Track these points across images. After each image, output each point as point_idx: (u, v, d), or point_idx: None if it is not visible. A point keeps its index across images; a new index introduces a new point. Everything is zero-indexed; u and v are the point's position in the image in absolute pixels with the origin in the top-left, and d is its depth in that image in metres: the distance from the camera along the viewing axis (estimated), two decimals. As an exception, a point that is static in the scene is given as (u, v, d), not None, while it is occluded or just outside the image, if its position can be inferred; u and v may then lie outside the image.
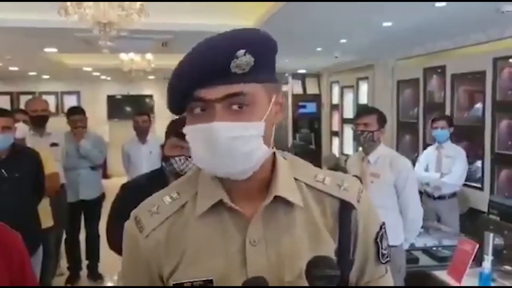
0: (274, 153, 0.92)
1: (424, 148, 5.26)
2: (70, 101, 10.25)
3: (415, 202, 2.99)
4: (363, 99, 7.50)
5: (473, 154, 4.75)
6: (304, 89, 9.71)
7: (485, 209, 3.28)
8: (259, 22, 4.52)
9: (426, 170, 4.47)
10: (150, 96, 11.65)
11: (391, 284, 0.98)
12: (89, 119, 4.69)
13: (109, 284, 4.63)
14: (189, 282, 0.86)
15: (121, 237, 0.95)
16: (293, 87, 9.69)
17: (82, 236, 4.71)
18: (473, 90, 5.11)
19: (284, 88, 9.87)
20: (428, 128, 5.53)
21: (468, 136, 4.99)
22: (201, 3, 4.23)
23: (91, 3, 3.57)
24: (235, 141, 0.81)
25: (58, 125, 4.92)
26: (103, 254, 4.55)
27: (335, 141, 8.86)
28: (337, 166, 7.83)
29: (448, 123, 4.38)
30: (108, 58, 7.11)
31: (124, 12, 3.63)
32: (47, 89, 10.98)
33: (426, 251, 3.37)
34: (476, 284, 2.55)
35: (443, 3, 3.63)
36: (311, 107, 9.57)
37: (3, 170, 2.79)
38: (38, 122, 4.06)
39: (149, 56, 6.78)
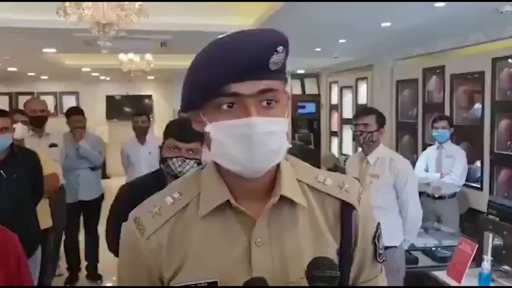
0: None
1: (424, 148, 5.26)
2: (69, 102, 10.25)
3: (415, 202, 2.99)
4: (362, 99, 7.50)
5: (472, 154, 4.75)
6: (303, 89, 9.70)
7: (484, 209, 3.27)
8: (258, 23, 4.51)
9: (426, 170, 4.47)
10: (149, 97, 11.65)
11: (386, 283, 0.99)
12: (88, 120, 4.69)
13: (108, 285, 4.62)
14: (193, 284, 0.85)
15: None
16: (292, 87, 9.68)
17: (81, 236, 4.71)
18: (472, 90, 5.12)
19: (283, 88, 9.87)
20: (428, 128, 5.53)
21: (467, 136, 5.00)
22: (200, 3, 4.22)
23: (90, 3, 3.56)
24: (270, 136, 0.82)
25: (57, 126, 4.92)
26: (102, 254, 4.55)
27: (334, 141, 8.86)
28: (336, 166, 7.83)
29: (448, 124, 4.39)
30: (107, 59, 7.11)
31: (123, 13, 3.63)
32: (46, 89, 10.98)
33: (425, 251, 3.37)
34: (476, 285, 2.54)
35: (442, 3, 3.63)
36: (310, 107, 9.57)
37: (1, 171, 2.78)
38: (37, 122, 4.05)
39: (148, 56, 6.78)
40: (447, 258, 3.03)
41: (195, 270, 0.85)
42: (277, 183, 0.89)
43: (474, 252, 2.56)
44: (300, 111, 9.59)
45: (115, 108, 11.32)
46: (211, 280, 0.84)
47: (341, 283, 0.85)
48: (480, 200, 4.44)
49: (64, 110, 4.96)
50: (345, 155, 7.94)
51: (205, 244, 0.86)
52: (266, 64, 0.80)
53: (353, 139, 3.20)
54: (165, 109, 11.20)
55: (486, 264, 2.50)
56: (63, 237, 4.51)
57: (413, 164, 3.92)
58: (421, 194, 3.99)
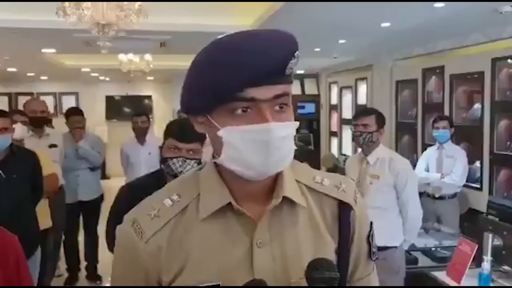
0: None
1: (423, 148, 5.26)
2: (68, 102, 10.23)
3: (415, 202, 2.99)
4: (362, 100, 7.50)
5: (472, 154, 4.75)
6: (303, 89, 9.70)
7: (484, 209, 3.27)
8: (257, 23, 4.52)
9: (427, 170, 4.48)
10: (149, 97, 11.64)
11: (378, 281, 1.01)
12: (87, 120, 4.68)
13: (108, 285, 4.62)
14: (195, 287, 0.83)
15: None
16: (292, 88, 9.68)
17: (81, 237, 4.70)
18: (472, 90, 5.12)
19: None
20: (427, 128, 5.53)
21: (467, 136, 5.00)
22: (200, 3, 4.22)
23: (89, 3, 3.56)
24: (284, 141, 0.83)
25: (56, 126, 4.92)
26: (101, 255, 4.55)
27: (334, 141, 8.86)
28: (336, 166, 7.83)
29: (449, 124, 4.39)
30: (107, 59, 7.11)
31: (123, 13, 3.63)
32: (45, 90, 10.97)
33: (425, 251, 3.37)
34: (476, 285, 2.54)
35: (442, 4, 3.63)
36: (309, 108, 9.57)
37: (0, 171, 2.78)
38: (37, 123, 4.05)
39: (147, 56, 6.78)
40: (447, 258, 3.03)
41: (197, 273, 0.84)
42: (278, 184, 0.89)
43: (474, 253, 2.56)
44: (300, 111, 9.59)
45: (115, 108, 11.31)
46: (213, 284, 0.84)
47: (339, 283, 0.85)
48: (480, 200, 4.44)
49: (64, 111, 4.96)
50: (344, 155, 7.94)
51: (206, 247, 0.85)
52: (283, 69, 0.80)
53: (353, 140, 3.20)
54: (164, 109, 11.20)
55: (486, 265, 2.50)
56: (63, 238, 4.51)
57: (413, 164, 3.92)
58: (421, 194, 3.98)
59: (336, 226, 0.93)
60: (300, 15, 4.08)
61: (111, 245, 2.01)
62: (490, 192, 4.60)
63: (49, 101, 11.05)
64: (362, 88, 7.55)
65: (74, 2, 3.46)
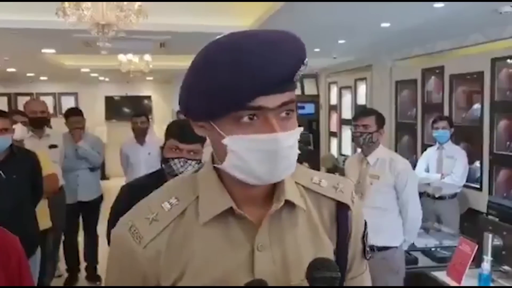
0: None
1: (423, 149, 5.26)
2: (68, 102, 10.23)
3: (415, 203, 2.99)
4: (362, 100, 7.50)
5: (472, 154, 4.75)
6: (302, 90, 9.70)
7: (483, 209, 3.28)
8: (257, 23, 4.52)
9: (427, 170, 4.48)
10: (149, 97, 11.64)
11: (370, 279, 1.01)
12: (87, 120, 4.68)
13: (108, 286, 4.61)
14: None
15: None
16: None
17: (81, 237, 4.70)
18: (471, 90, 5.12)
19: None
20: (427, 128, 5.53)
21: (466, 136, 5.00)
22: (199, 3, 4.22)
23: (89, 4, 3.56)
24: (291, 150, 0.82)
25: (56, 126, 4.92)
26: (101, 255, 4.55)
27: (333, 142, 8.86)
28: (335, 167, 7.83)
29: (449, 124, 4.39)
30: (106, 59, 7.11)
31: (123, 13, 3.63)
32: (45, 90, 10.97)
33: (425, 251, 3.37)
34: (476, 285, 2.54)
35: (442, 4, 3.64)
36: (309, 108, 9.57)
37: (0, 172, 2.78)
38: (37, 124, 4.05)
39: (147, 57, 6.78)
40: (447, 258, 3.03)
41: (197, 278, 0.83)
42: (279, 187, 0.88)
43: (474, 253, 2.56)
44: (299, 111, 9.56)
45: (114, 108, 11.31)
46: None
47: (339, 283, 0.85)
48: (480, 201, 4.44)
49: (63, 111, 4.96)
50: (344, 155, 7.94)
51: (206, 251, 0.84)
52: (292, 77, 0.79)
53: (353, 140, 3.20)
54: (164, 109, 11.20)
55: (486, 265, 2.50)
56: (63, 238, 4.51)
57: (413, 165, 3.92)
58: (421, 194, 3.98)
59: (334, 227, 0.93)
60: (300, 15, 4.08)
61: (111, 245, 2.01)
62: (490, 192, 4.60)
63: (49, 102, 11.01)
64: (362, 89, 7.55)
65: (74, 3, 3.46)
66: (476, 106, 4.95)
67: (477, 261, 2.59)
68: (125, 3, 3.61)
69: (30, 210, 2.99)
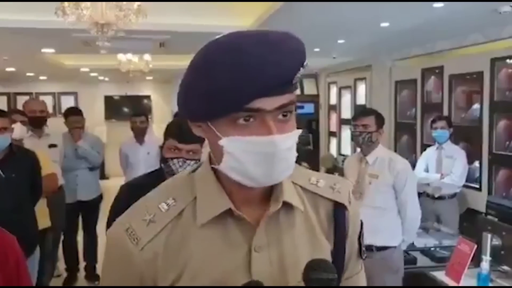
0: None
1: (423, 148, 5.26)
2: (67, 102, 10.22)
3: (414, 203, 2.99)
4: (361, 100, 7.50)
5: (471, 154, 4.75)
6: (302, 89, 9.69)
7: (483, 209, 3.28)
8: (257, 23, 4.52)
9: (426, 170, 4.48)
10: (148, 97, 11.64)
11: (365, 279, 1.01)
12: (86, 120, 4.68)
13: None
14: None
15: None
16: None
17: (80, 237, 4.70)
18: (471, 90, 5.12)
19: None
20: (426, 128, 5.53)
21: (466, 136, 5.00)
22: (199, 4, 4.22)
23: (88, 3, 3.56)
24: (289, 152, 0.81)
25: (56, 126, 4.92)
26: (100, 255, 4.55)
27: (333, 141, 8.86)
28: (335, 167, 7.83)
29: (448, 124, 4.39)
30: (106, 59, 7.11)
31: (122, 13, 3.62)
32: (44, 89, 10.96)
33: (424, 251, 3.37)
34: (475, 285, 2.55)
35: (441, 4, 3.64)
36: (309, 108, 9.57)
37: (0, 171, 2.78)
38: (36, 123, 4.05)
39: (147, 56, 6.77)
40: (446, 258, 3.04)
41: (195, 279, 0.83)
42: (277, 188, 0.88)
43: (473, 253, 2.57)
44: (299, 111, 9.52)
45: (114, 108, 11.31)
46: None
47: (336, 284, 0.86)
48: (479, 201, 4.44)
49: (63, 111, 4.96)
50: (343, 155, 7.94)
51: (204, 253, 0.84)
52: (292, 79, 0.78)
53: (352, 140, 3.20)
54: (163, 109, 11.19)
55: (485, 265, 2.50)
56: (62, 238, 4.51)
57: (412, 165, 3.93)
58: (421, 194, 3.99)
59: (331, 227, 0.93)
60: (299, 15, 4.08)
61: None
62: (489, 192, 4.61)
63: (48, 101, 11.02)
64: (361, 88, 7.56)
65: (73, 2, 3.46)
66: (476, 106, 4.95)
67: (476, 261, 2.60)
68: (124, 2, 3.61)
69: (29, 209, 2.99)
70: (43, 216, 3.39)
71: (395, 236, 2.98)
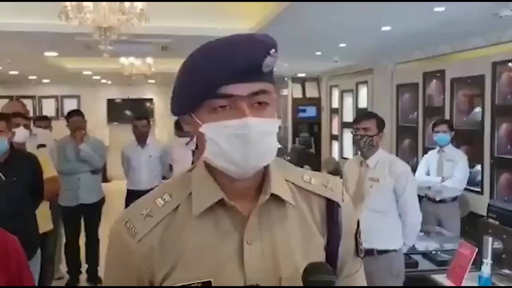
0: None
1: (424, 152, 5.26)
2: (70, 105, 10.24)
3: (414, 206, 2.99)
4: (363, 103, 7.51)
5: (473, 158, 4.75)
6: (304, 93, 9.72)
7: (484, 213, 3.27)
8: (258, 27, 4.53)
9: (428, 174, 4.47)
10: (150, 100, 11.67)
11: (365, 278, 1.02)
12: (89, 123, 4.70)
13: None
14: (187, 284, 0.85)
15: None
16: (293, 91, 9.71)
17: (82, 240, 4.71)
18: (472, 94, 5.12)
19: (284, 92, 9.89)
20: (428, 132, 5.53)
21: (467, 140, 5.00)
22: (201, 7, 4.24)
23: (91, 7, 3.58)
24: (264, 137, 0.85)
25: (58, 129, 4.94)
26: (102, 258, 4.55)
27: (335, 145, 8.87)
28: (337, 170, 7.82)
29: (449, 127, 4.39)
30: (109, 62, 7.13)
31: (125, 17, 3.64)
32: (47, 93, 11.00)
33: (425, 255, 3.37)
34: (476, 288, 2.55)
35: (442, 8, 3.65)
36: (310, 111, 9.58)
37: (0, 174, 2.79)
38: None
39: (149, 60, 6.80)
40: (447, 261, 3.03)
41: (189, 270, 0.86)
42: (266, 182, 0.91)
43: (474, 256, 2.56)
44: (301, 114, 9.61)
45: (116, 111, 11.34)
46: (205, 280, 0.85)
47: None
48: (480, 204, 4.44)
49: (66, 114, 4.97)
50: (345, 158, 7.93)
51: (198, 244, 0.87)
52: (260, 66, 0.84)
53: (353, 143, 3.20)
54: (165, 112, 11.21)
55: (486, 268, 2.50)
56: (64, 241, 4.52)
57: (414, 168, 3.93)
58: (422, 197, 3.98)
59: (324, 223, 0.95)
60: (301, 19, 4.10)
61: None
62: (491, 196, 4.60)
63: (51, 104, 11.10)
64: (363, 92, 7.56)
65: (76, 6, 3.48)
66: (477, 109, 4.95)
67: (477, 264, 2.59)
68: (127, 6, 3.63)
69: (30, 212, 2.99)
70: (45, 219, 3.40)
71: (396, 240, 2.97)
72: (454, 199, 4.35)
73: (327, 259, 0.91)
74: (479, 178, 4.81)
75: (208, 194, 0.89)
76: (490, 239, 2.56)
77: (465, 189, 4.47)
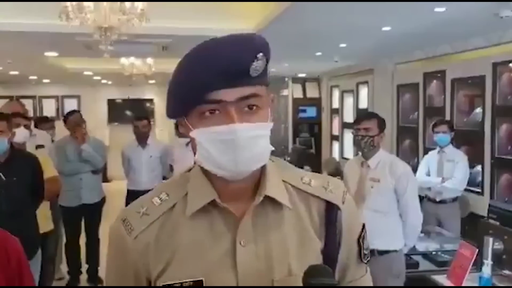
0: None
1: (425, 152, 5.26)
2: (70, 105, 10.25)
3: (415, 207, 2.99)
4: (363, 104, 7.51)
5: (473, 158, 4.75)
6: (304, 93, 9.72)
7: (485, 213, 3.27)
8: (259, 27, 4.53)
9: (428, 174, 4.47)
10: (151, 100, 11.67)
11: (371, 283, 1.01)
12: (89, 123, 4.70)
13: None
14: (179, 282, 0.86)
15: None
16: (293, 91, 9.71)
17: (82, 240, 4.71)
18: (472, 94, 5.12)
19: (285, 92, 9.89)
20: (428, 132, 5.53)
21: (468, 140, 4.99)
22: (201, 7, 4.24)
23: (92, 7, 3.58)
24: (253, 141, 0.85)
25: (59, 129, 4.94)
26: (103, 258, 4.55)
27: (335, 145, 8.86)
28: (337, 170, 7.82)
29: (449, 128, 4.39)
30: (109, 62, 7.13)
31: (125, 17, 3.64)
32: (47, 93, 11.00)
33: (426, 255, 3.36)
34: (476, 289, 2.54)
35: (443, 8, 3.65)
36: (311, 111, 9.58)
37: (1, 174, 2.79)
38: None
39: (149, 60, 6.79)
40: (447, 262, 3.03)
41: (181, 269, 0.87)
42: (262, 183, 0.91)
43: (474, 257, 2.56)
44: (301, 115, 9.61)
45: (117, 111, 11.34)
46: (196, 279, 0.86)
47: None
48: (481, 205, 4.43)
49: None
50: (346, 159, 7.93)
51: (191, 243, 0.88)
52: (247, 71, 0.82)
53: (354, 143, 3.20)
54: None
55: (487, 269, 2.49)
56: (64, 241, 4.52)
57: (414, 169, 3.93)
58: (422, 198, 3.98)
59: (323, 226, 0.94)
60: (301, 19, 4.10)
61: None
62: (491, 196, 4.60)
63: (52, 104, 11.10)
64: (364, 92, 7.56)
65: (77, 6, 3.48)
66: (478, 110, 4.95)
67: (478, 265, 2.59)
68: (127, 6, 3.63)
69: (30, 212, 2.99)
70: (45, 220, 3.39)
71: (397, 240, 2.97)
72: (455, 199, 4.35)
73: (324, 263, 0.90)
74: (480, 178, 4.80)
75: (201, 195, 0.90)
76: (491, 239, 2.55)
77: (466, 189, 4.47)
